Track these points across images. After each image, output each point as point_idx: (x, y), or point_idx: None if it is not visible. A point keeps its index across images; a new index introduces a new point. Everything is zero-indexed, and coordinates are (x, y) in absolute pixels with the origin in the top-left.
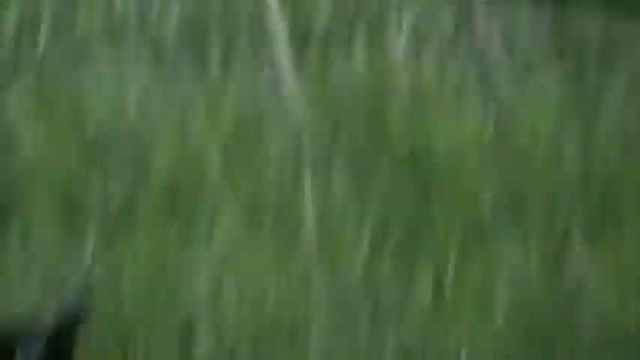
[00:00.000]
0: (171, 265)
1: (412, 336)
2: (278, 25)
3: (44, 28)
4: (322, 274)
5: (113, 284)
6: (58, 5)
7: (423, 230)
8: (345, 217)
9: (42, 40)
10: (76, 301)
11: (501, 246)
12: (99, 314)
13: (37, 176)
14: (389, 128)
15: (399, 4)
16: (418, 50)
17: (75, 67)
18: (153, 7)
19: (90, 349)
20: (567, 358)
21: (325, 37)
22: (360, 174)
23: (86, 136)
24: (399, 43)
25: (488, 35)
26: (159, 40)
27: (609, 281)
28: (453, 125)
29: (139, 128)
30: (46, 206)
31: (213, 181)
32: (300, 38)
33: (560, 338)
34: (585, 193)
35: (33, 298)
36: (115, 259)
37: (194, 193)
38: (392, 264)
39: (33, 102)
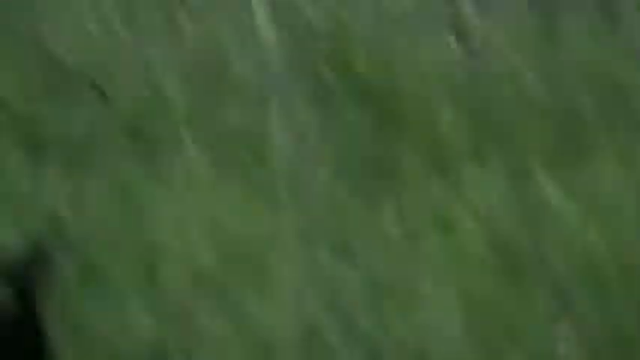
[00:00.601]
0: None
1: (379, 265)
2: None
3: None
4: (289, 205)
5: (77, 218)
6: None
7: (385, 163)
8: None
9: None
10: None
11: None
12: (65, 247)
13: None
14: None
15: None
16: None
17: None
18: None
19: (57, 282)
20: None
21: None
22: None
23: None
24: None
25: None
26: None
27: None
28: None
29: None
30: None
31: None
32: None
33: (525, 253)
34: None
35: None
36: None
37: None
38: (355, 192)
39: None
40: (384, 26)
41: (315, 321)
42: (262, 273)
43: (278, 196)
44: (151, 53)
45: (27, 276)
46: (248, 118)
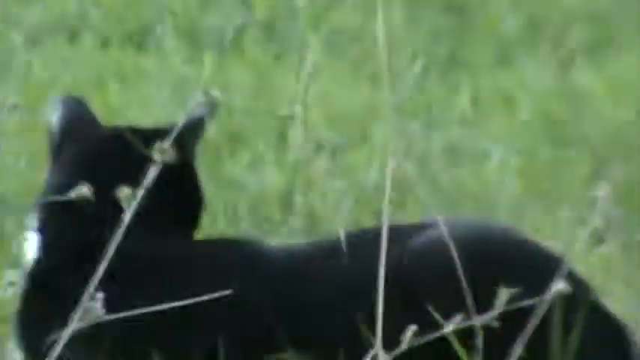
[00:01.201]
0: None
1: (455, 134)
2: None
3: None
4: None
5: (225, 96)
6: None
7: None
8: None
9: None
10: (200, 107)
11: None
12: (216, 117)
13: None
14: None
15: None
16: None
17: None
18: None
19: (207, 142)
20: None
21: None
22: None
23: None
24: None
25: None
26: None
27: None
28: None
29: None
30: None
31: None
32: None
33: (570, 128)
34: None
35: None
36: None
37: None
38: (439, 79)
39: None
40: None
41: (406, 176)
42: (365, 138)
43: (380, 80)
44: None
45: (187, 137)
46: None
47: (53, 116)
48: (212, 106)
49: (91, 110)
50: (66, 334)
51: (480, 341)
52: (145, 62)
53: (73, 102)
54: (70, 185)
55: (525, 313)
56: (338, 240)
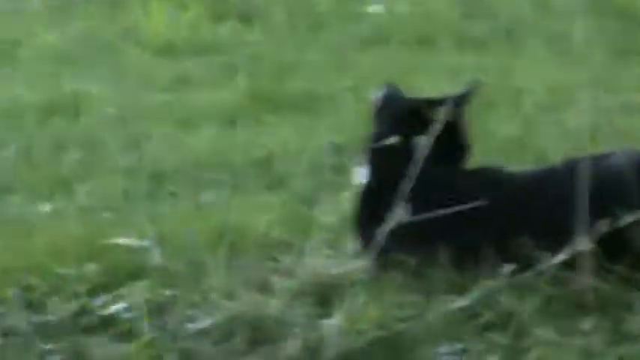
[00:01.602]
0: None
1: None
2: None
3: None
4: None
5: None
6: None
7: None
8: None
9: None
10: (466, 87)
11: None
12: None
13: None
14: None
15: None
16: None
17: None
18: None
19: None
20: None
21: None
22: None
23: None
24: None
25: None
26: None
27: None
28: None
29: None
30: None
31: None
32: None
33: None
34: None
35: None
36: None
37: None
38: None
39: None
40: None
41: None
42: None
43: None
44: None
45: (457, 103)
46: None
47: (377, 95)
48: (475, 86)
49: (400, 90)
50: (384, 228)
51: None
52: (429, 59)
53: (390, 86)
54: (386, 136)
55: None
56: (554, 165)
